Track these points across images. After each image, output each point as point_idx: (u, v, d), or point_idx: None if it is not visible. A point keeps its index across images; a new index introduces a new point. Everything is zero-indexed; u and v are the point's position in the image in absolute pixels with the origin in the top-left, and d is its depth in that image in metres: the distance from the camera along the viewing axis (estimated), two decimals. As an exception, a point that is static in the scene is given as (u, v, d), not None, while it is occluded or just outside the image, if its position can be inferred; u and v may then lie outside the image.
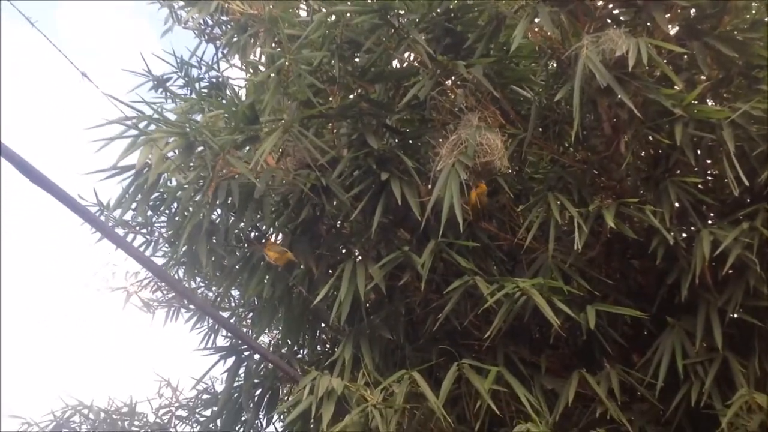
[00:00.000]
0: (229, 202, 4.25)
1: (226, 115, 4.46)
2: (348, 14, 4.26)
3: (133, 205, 4.34)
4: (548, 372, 4.17)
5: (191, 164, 4.15)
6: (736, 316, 3.97)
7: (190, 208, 4.33)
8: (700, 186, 4.06)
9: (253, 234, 4.71)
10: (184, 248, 4.33)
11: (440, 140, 4.17)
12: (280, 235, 4.77)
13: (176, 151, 4.01)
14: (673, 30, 4.20)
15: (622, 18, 4.19)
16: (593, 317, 3.81)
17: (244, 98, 4.79)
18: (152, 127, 4.04)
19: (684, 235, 4.08)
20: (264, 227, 4.74)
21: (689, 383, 3.92)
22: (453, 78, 4.29)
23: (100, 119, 3.98)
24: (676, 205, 4.01)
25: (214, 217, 4.41)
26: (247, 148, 4.31)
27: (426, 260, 3.98)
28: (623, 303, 4.10)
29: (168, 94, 5.62)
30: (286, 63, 4.08)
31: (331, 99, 4.47)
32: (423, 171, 4.22)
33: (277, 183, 4.44)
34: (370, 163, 4.25)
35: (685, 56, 4.13)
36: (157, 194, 4.63)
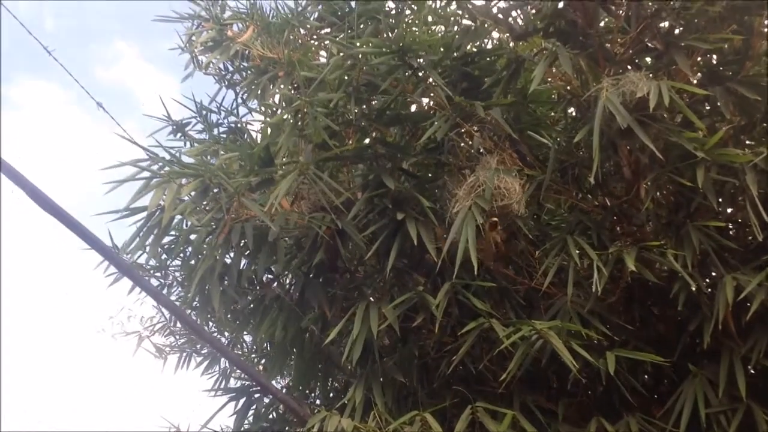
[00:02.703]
0: (242, 244, 4.20)
1: (241, 157, 4.44)
2: (366, 57, 4.26)
3: (146, 247, 4.29)
4: (565, 420, 4.05)
5: (205, 206, 4.12)
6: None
7: (204, 251, 4.28)
8: (722, 231, 3.99)
9: (265, 276, 4.64)
10: (196, 289, 4.27)
11: (457, 183, 4.12)
12: (293, 277, 4.72)
13: (191, 193, 3.97)
14: (694, 78, 4.17)
15: (642, 64, 4.17)
16: (613, 363, 3.69)
17: (259, 141, 4.77)
18: (166, 169, 4.02)
19: (706, 281, 3.98)
20: (277, 270, 4.67)
21: (712, 433, 3.80)
22: (470, 122, 4.26)
23: (115, 161, 3.95)
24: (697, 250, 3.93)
25: (227, 259, 4.35)
26: (262, 190, 4.27)
27: (441, 301, 3.90)
28: (644, 350, 3.98)
29: (186, 138, 5.63)
30: (303, 106, 4.08)
31: (347, 141, 4.45)
32: (439, 213, 4.17)
33: (291, 225, 4.39)
34: (385, 204, 4.21)
35: (706, 103, 4.09)
36: (171, 237, 4.60)
